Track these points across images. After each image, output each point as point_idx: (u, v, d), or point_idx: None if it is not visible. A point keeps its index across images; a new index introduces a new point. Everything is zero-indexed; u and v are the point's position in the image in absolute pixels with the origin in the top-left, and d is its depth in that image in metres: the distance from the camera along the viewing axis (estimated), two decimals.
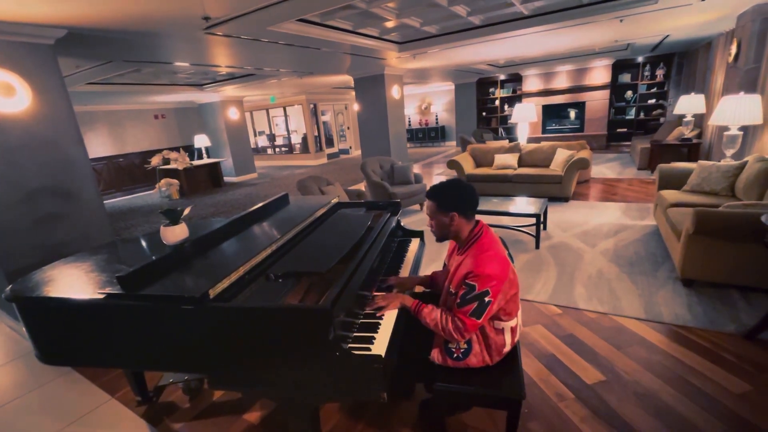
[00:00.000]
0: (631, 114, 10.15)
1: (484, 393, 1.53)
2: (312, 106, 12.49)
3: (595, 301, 2.87)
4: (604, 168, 7.66)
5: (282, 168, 12.46)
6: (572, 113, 10.75)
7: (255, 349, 1.36)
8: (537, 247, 3.94)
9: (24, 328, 1.65)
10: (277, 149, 14.11)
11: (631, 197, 5.48)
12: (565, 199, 5.54)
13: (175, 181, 8.78)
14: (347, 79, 8.20)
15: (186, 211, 1.90)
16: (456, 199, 1.57)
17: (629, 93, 10.10)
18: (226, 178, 10.33)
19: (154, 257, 1.72)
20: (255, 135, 14.32)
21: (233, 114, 10.26)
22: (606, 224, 4.44)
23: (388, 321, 1.56)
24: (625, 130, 10.22)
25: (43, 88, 2.98)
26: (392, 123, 7.68)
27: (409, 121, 14.61)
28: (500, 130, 11.76)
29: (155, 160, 9.31)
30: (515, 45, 6.01)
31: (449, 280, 1.62)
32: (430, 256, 3.72)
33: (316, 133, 12.76)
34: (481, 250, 1.52)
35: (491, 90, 12.10)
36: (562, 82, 10.53)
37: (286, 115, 13.11)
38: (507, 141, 8.32)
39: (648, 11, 4.27)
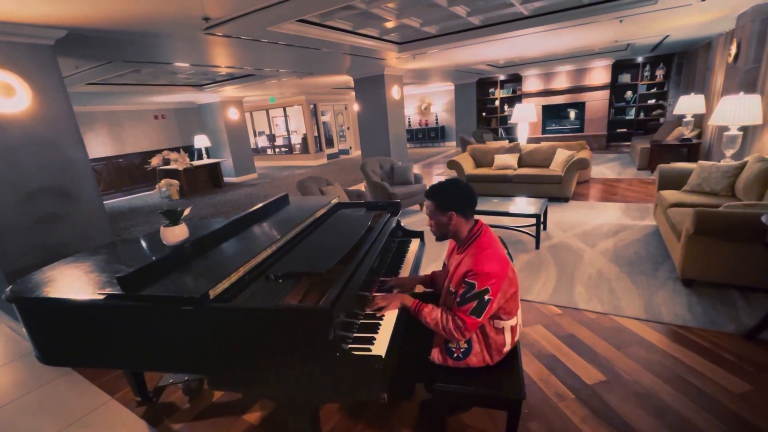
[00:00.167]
0: (631, 114, 10.15)
1: (484, 393, 1.53)
2: (312, 106, 12.50)
3: (595, 301, 2.87)
4: (603, 168, 7.66)
5: (282, 168, 12.46)
6: (572, 113, 10.75)
7: (255, 349, 1.36)
8: (537, 247, 3.94)
9: (24, 329, 1.64)
10: (277, 149, 14.10)
11: (631, 197, 5.48)
12: (565, 200, 5.54)
13: (175, 182, 8.79)
14: (347, 79, 8.20)
15: (186, 212, 1.90)
16: (454, 199, 1.57)
17: (629, 93, 10.11)
18: (226, 179, 10.33)
19: (154, 258, 1.72)
20: (255, 135, 14.32)
21: (233, 114, 10.27)
22: (606, 224, 4.44)
23: (389, 321, 1.56)
24: (624, 130, 10.23)
25: (43, 88, 2.98)
26: (392, 123, 7.68)
27: (409, 122, 14.61)
28: (500, 130, 11.76)
29: (155, 161, 9.31)
30: (515, 45, 6.01)
31: (449, 279, 1.62)
32: (430, 256, 3.72)
33: (315, 134, 12.76)
34: (480, 248, 1.53)
35: (491, 90, 12.10)
36: (561, 82, 10.53)
37: (285, 116, 13.10)
38: (507, 141, 8.32)
39: (648, 11, 4.27)
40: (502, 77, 11.65)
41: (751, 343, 2.27)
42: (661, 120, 9.33)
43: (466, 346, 1.58)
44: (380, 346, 1.41)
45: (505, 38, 5.20)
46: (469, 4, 4.00)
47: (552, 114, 10.99)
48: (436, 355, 1.62)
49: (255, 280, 1.55)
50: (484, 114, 12.41)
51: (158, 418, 2.10)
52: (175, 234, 1.84)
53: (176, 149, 9.85)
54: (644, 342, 2.37)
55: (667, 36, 6.47)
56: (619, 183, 6.42)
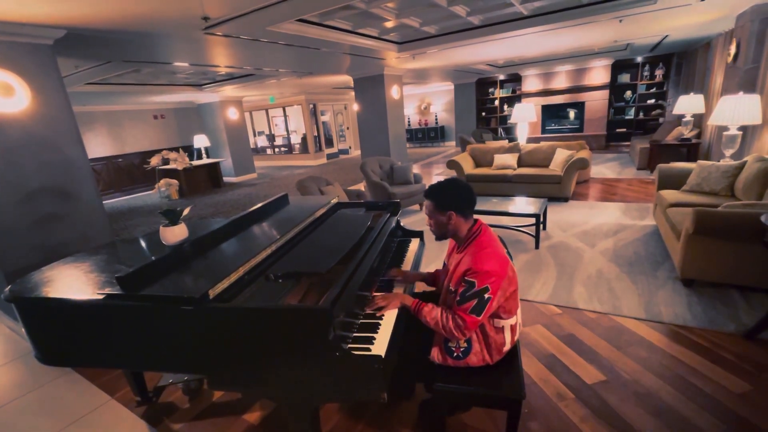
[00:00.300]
0: (631, 114, 10.16)
1: (484, 393, 1.53)
2: (311, 106, 12.49)
3: (595, 301, 2.87)
4: (603, 168, 7.66)
5: (281, 168, 12.45)
6: (571, 113, 10.76)
7: (255, 349, 1.35)
8: (537, 247, 3.94)
9: (23, 329, 1.64)
10: (277, 149, 14.10)
11: (631, 197, 5.49)
12: (565, 199, 5.54)
13: (175, 182, 8.78)
14: (347, 79, 8.20)
15: (185, 212, 1.90)
16: (453, 199, 1.57)
17: (628, 93, 10.11)
18: (226, 179, 10.32)
19: (153, 258, 1.72)
20: (254, 135, 14.31)
21: (232, 114, 10.26)
22: (605, 224, 4.45)
23: (388, 321, 1.55)
24: (624, 130, 10.23)
25: (43, 88, 2.97)
26: (392, 123, 7.68)
27: (409, 121, 14.60)
28: (500, 130, 11.76)
29: (154, 161, 9.31)
30: (514, 45, 6.01)
31: (449, 278, 1.62)
32: (430, 256, 3.72)
33: (315, 133, 12.76)
34: (480, 247, 1.53)
35: (491, 90, 12.11)
36: (561, 82, 10.53)
37: (285, 115, 13.10)
38: (506, 141, 8.32)
39: (647, 11, 4.27)
40: (501, 77, 11.65)
41: (751, 342, 2.27)
42: (661, 120, 9.34)
43: (465, 345, 1.58)
44: (380, 345, 1.41)
45: (505, 38, 5.20)
46: (469, 3, 4.00)
47: (551, 114, 10.99)
48: (435, 354, 1.62)
49: (255, 280, 1.55)
50: (483, 114, 12.41)
51: (158, 418, 2.10)
52: (175, 234, 1.84)
53: (176, 149, 9.84)
54: (644, 342, 2.37)
55: (667, 36, 6.47)
56: (619, 183, 6.43)
